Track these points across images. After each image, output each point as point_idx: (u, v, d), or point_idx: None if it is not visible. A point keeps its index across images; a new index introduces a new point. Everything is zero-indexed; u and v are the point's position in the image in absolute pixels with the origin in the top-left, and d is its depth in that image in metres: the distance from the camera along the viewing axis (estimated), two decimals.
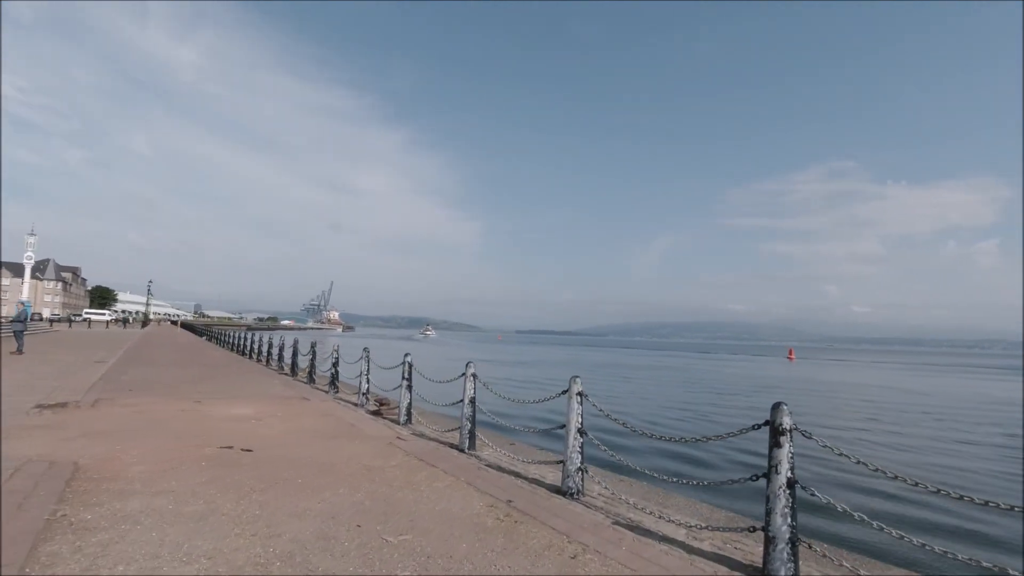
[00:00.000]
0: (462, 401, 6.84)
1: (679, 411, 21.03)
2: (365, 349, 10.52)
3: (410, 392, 8.47)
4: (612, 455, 5.25)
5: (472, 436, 6.78)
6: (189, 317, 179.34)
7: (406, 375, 8.45)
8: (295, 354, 15.26)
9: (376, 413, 9.36)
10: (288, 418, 8.77)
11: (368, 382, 10.01)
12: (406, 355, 8.58)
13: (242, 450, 6.32)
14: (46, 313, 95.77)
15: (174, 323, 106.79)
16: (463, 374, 6.91)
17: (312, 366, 13.58)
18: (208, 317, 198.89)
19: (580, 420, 5.17)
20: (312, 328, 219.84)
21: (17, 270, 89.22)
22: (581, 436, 5.11)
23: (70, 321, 69.00)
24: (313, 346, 13.82)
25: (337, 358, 12.01)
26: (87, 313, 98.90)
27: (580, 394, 5.20)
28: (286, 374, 15.58)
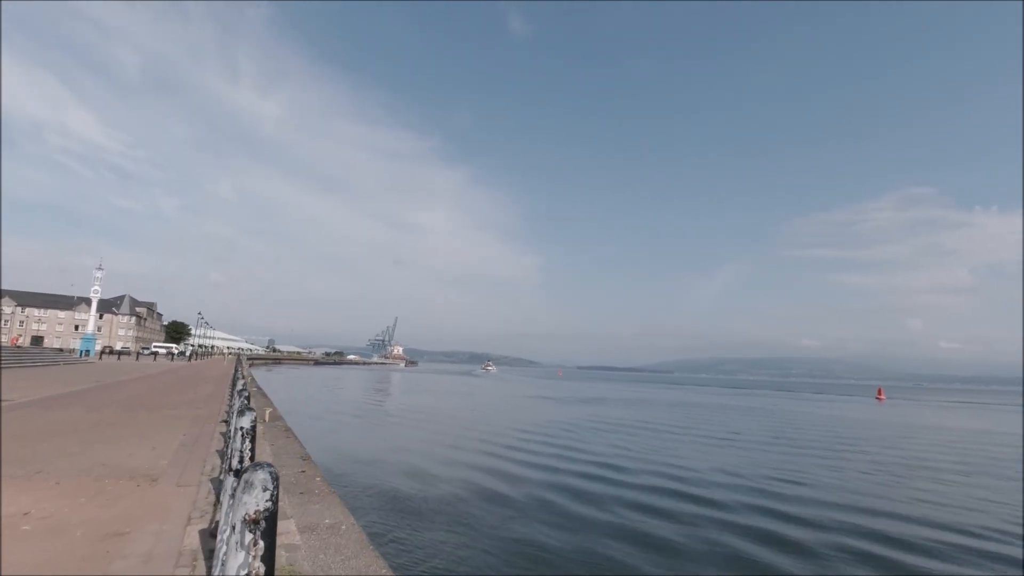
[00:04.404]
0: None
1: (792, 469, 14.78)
2: (241, 387, 5.59)
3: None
4: None
5: None
6: (260, 351, 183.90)
7: (229, 458, 3.42)
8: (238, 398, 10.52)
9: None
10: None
11: (251, 452, 4.96)
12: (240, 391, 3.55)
13: None
14: (117, 346, 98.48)
15: (237, 357, 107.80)
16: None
17: (228, 417, 8.76)
18: (278, 351, 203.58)
19: None
20: (376, 363, 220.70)
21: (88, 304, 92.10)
22: None
23: (119, 354, 69.12)
24: (242, 387, 9.02)
25: (244, 406, 7.07)
26: (155, 346, 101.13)
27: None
28: (226, 421, 10.92)
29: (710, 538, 9.87)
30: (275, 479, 1.71)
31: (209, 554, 4.01)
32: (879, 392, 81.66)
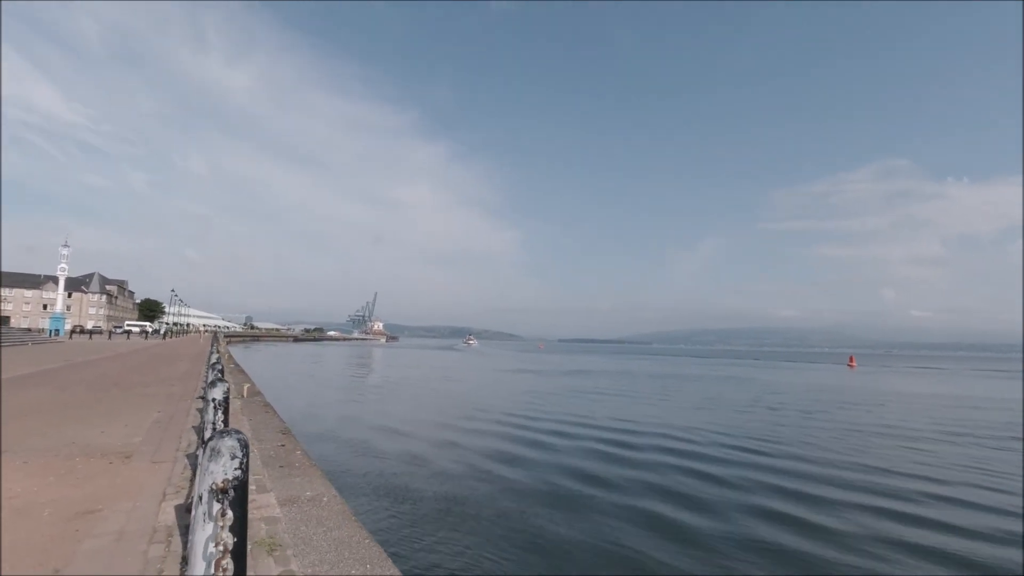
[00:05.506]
0: None
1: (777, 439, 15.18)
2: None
3: None
4: None
5: None
6: (238, 328, 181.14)
7: (202, 432, 3.27)
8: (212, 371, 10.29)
9: None
10: None
11: (224, 424, 4.86)
12: None
13: None
14: (89, 325, 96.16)
15: (214, 334, 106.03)
16: None
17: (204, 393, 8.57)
18: (257, 328, 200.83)
19: None
20: (356, 339, 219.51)
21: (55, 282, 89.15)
22: None
23: (91, 333, 67.48)
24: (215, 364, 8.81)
25: (216, 378, 6.90)
26: (128, 325, 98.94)
27: None
28: (202, 397, 10.71)
29: (696, 494, 10.10)
30: (244, 446, 1.59)
31: (185, 529, 3.90)
32: (851, 359, 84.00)
